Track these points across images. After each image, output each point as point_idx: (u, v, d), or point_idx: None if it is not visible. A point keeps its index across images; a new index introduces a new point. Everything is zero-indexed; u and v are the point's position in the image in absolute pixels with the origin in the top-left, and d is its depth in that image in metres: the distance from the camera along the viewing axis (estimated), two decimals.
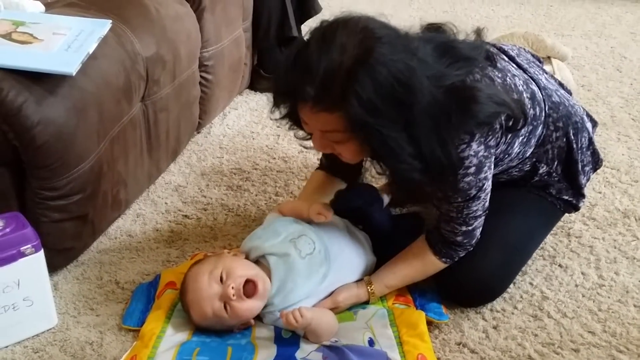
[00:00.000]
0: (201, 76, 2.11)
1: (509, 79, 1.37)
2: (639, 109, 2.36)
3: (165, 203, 1.84)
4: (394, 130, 1.15)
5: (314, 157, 2.05)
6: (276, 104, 1.29)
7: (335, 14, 1.20)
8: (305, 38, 1.20)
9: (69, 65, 1.35)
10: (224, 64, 2.23)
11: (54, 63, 1.36)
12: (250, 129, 2.27)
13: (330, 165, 1.58)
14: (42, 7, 1.63)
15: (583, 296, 1.45)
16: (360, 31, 1.15)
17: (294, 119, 1.32)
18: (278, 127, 2.09)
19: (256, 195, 1.87)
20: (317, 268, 1.35)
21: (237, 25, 2.33)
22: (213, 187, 1.91)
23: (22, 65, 1.33)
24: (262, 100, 2.51)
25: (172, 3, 1.92)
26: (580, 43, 3.04)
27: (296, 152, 2.09)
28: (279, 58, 2.57)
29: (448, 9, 3.67)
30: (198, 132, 2.22)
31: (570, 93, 1.57)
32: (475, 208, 1.31)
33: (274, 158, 2.08)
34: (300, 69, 1.16)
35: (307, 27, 2.72)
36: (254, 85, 2.61)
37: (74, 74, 1.35)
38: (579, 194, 1.51)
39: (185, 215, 1.78)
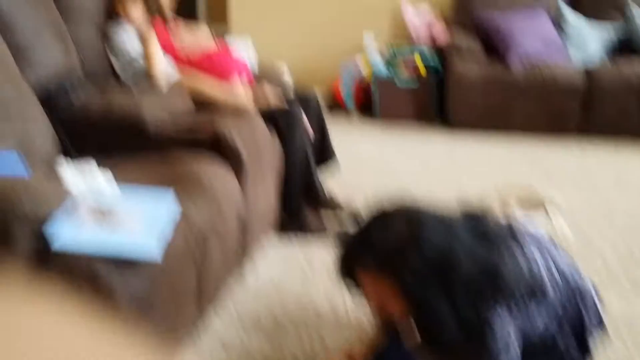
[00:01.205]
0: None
1: (529, 254, 1.61)
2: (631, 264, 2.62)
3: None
4: (437, 297, 1.44)
5: (342, 311, 2.26)
6: (340, 267, 1.60)
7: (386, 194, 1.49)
8: (368, 220, 1.54)
9: (154, 251, 1.59)
10: (260, 220, 2.48)
11: (143, 250, 1.58)
12: (279, 278, 2.49)
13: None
14: (118, 190, 1.87)
15: None
16: (411, 220, 1.49)
17: (352, 280, 1.61)
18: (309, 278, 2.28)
19: (295, 348, 2.06)
20: None
21: (270, 189, 2.61)
22: (252, 336, 2.10)
23: (117, 253, 1.54)
24: (288, 249, 2.73)
25: (221, 175, 2.20)
26: (569, 191, 3.34)
27: (327, 307, 2.30)
28: (305, 212, 2.83)
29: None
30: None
31: (579, 273, 1.80)
32: None
33: (307, 309, 2.28)
34: (364, 244, 1.50)
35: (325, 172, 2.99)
36: (280, 229, 2.84)
37: (160, 261, 1.58)
38: None
39: None
